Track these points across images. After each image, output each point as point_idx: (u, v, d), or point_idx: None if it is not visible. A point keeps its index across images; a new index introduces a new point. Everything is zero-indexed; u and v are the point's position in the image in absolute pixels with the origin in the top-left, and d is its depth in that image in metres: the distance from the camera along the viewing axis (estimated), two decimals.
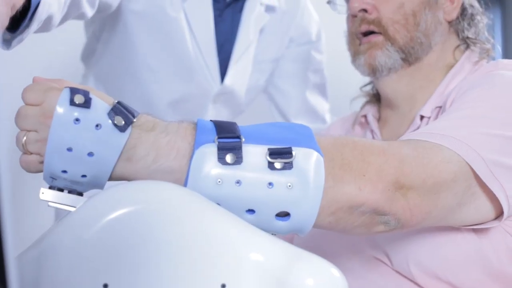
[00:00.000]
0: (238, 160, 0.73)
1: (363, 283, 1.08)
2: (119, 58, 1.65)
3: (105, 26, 1.63)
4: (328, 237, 1.11)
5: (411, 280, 1.05)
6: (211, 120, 0.77)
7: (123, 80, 1.65)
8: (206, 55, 1.62)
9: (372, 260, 1.09)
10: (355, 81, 1.36)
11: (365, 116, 1.31)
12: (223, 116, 1.70)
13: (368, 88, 1.34)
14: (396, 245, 1.05)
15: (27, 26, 0.96)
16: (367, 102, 1.33)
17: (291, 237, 1.18)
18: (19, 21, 0.94)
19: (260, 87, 1.81)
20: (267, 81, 1.82)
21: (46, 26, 1.07)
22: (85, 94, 0.72)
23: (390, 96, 1.24)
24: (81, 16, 1.30)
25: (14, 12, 0.85)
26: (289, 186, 0.74)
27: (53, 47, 2.02)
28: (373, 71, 1.21)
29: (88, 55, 1.72)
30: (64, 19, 1.19)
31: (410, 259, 1.03)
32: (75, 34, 1.78)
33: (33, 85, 0.74)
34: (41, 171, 0.75)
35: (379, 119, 1.29)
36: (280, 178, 0.74)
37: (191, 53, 1.60)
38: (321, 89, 1.86)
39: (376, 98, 1.32)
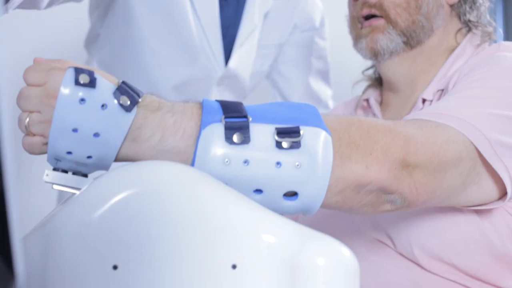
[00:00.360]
0: (245, 140, 0.72)
1: (366, 265, 1.08)
2: (123, 42, 1.64)
3: (109, 10, 1.62)
4: (330, 219, 1.11)
5: (414, 262, 1.05)
6: (216, 100, 0.76)
7: (127, 65, 1.64)
8: (210, 38, 1.61)
9: (375, 242, 1.09)
10: (357, 67, 1.35)
11: (367, 100, 1.30)
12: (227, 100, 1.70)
13: (370, 72, 1.34)
14: (399, 227, 1.05)
15: None
16: (369, 86, 1.32)
17: (295, 219, 1.17)
18: None
19: (264, 72, 1.80)
20: (271, 66, 1.81)
21: (35, 1, 1.05)
22: (90, 73, 0.71)
23: (392, 80, 1.24)
24: None
25: None
26: (297, 165, 0.73)
27: (56, 34, 2.00)
28: (375, 55, 1.20)
29: (92, 40, 1.71)
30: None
31: (413, 242, 1.03)
32: (78, 20, 1.77)
33: (35, 66, 0.73)
34: (45, 152, 0.73)
35: (381, 103, 1.29)
36: (288, 157, 0.73)
37: (195, 36, 1.60)
38: (324, 76, 1.86)
39: (378, 82, 1.31)
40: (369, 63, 1.32)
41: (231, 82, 1.69)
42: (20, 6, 1.04)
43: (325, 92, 1.86)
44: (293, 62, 1.83)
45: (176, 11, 1.58)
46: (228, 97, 1.72)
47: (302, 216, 1.20)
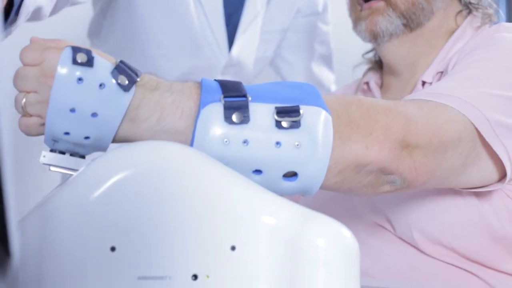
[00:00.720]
0: (245, 119, 0.71)
1: (365, 248, 1.07)
2: (126, 34, 1.63)
3: (111, 1, 1.61)
4: (330, 202, 1.11)
5: (413, 247, 1.05)
6: (215, 80, 0.75)
7: (131, 56, 1.61)
8: (214, 27, 1.60)
9: (374, 226, 1.08)
10: (358, 50, 1.34)
11: (367, 83, 1.29)
12: None
13: (371, 55, 1.33)
14: (398, 211, 1.04)
15: (14, 19, 0.93)
16: (370, 69, 1.31)
17: (296, 201, 1.17)
18: (6, 14, 0.91)
19: (267, 58, 1.79)
20: (274, 52, 1.80)
21: (36, 16, 1.04)
22: (88, 52, 0.70)
23: (391, 63, 1.23)
24: (75, 1, 1.28)
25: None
26: (297, 145, 0.72)
27: (61, 24, 1.99)
28: (374, 37, 1.19)
29: (95, 32, 1.71)
30: (57, 9, 1.16)
31: (412, 225, 1.03)
32: (82, 10, 1.76)
33: (31, 45, 0.72)
34: (42, 134, 0.72)
35: (381, 86, 1.28)
36: (288, 137, 0.72)
37: (198, 26, 1.59)
38: (327, 60, 1.85)
39: (378, 65, 1.31)
40: (370, 46, 1.31)
41: (236, 70, 1.68)
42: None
43: (327, 77, 1.85)
44: (296, 48, 1.82)
45: (178, 0, 1.57)
46: None
47: (302, 199, 1.20)
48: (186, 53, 1.61)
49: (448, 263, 1.04)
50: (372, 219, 1.08)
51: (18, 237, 0.46)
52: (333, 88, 1.85)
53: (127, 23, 1.61)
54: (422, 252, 1.05)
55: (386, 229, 1.07)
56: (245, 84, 1.68)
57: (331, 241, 0.66)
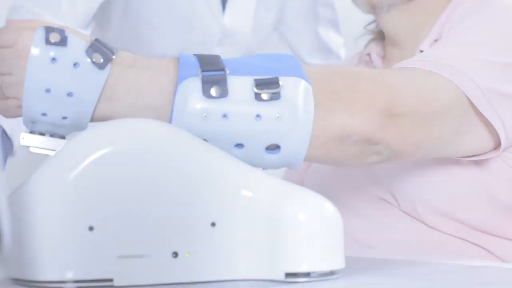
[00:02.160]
0: (223, 93, 0.71)
1: (370, 223, 1.06)
2: (120, 15, 1.61)
3: None
4: (333, 177, 1.10)
5: (419, 220, 1.03)
6: (194, 54, 0.74)
7: (129, 39, 1.61)
8: None
9: (378, 200, 1.07)
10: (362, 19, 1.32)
11: (369, 55, 1.27)
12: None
13: (373, 26, 1.30)
14: (401, 184, 1.03)
15: None
16: (372, 40, 1.29)
17: (301, 180, 1.16)
18: None
19: (269, 25, 1.74)
20: (277, 18, 1.75)
21: None
22: (61, 32, 0.70)
23: (392, 34, 1.20)
24: None
25: None
26: (278, 117, 0.71)
27: None
28: (373, 8, 1.16)
29: (100, 14, 1.70)
30: None
31: (415, 199, 1.02)
32: None
33: (6, 27, 0.72)
34: (20, 115, 0.73)
35: (384, 58, 1.26)
36: (268, 109, 0.71)
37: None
38: (334, 24, 1.78)
39: (380, 36, 1.28)
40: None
41: (233, 40, 1.64)
42: None
43: (336, 41, 1.79)
44: (300, 13, 1.75)
45: None
46: (235, 55, 1.67)
47: (307, 175, 1.19)
48: (177, 29, 1.58)
49: (455, 236, 1.02)
50: (375, 193, 1.07)
51: (8, 218, 0.46)
52: (342, 52, 1.79)
53: (122, 4, 1.59)
54: (427, 225, 1.03)
55: (390, 203, 1.06)
56: (247, 54, 1.63)
57: (313, 215, 0.66)
